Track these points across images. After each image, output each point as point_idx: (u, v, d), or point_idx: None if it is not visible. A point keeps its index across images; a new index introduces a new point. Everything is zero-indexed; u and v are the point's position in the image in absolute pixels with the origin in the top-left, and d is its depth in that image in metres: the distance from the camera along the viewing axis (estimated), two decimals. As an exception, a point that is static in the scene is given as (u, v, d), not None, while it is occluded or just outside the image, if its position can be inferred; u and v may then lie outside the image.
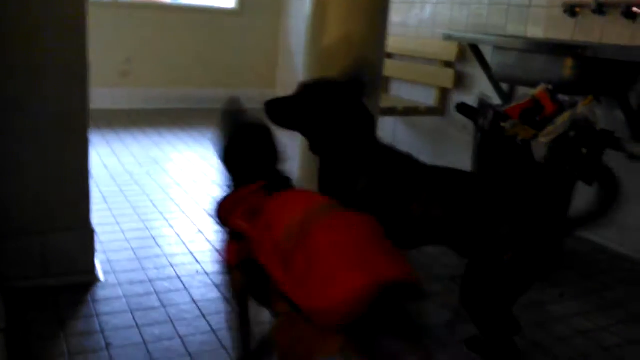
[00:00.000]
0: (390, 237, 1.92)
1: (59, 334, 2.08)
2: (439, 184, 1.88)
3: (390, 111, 4.31)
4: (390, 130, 4.96)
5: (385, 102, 4.13)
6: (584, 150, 2.52)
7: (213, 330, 2.17)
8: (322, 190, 2.06)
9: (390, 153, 2.02)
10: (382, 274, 1.27)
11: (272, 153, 1.78)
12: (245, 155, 1.76)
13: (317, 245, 1.34)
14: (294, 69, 6.30)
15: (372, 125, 2.01)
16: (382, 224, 1.92)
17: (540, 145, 2.62)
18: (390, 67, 4.48)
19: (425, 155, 4.63)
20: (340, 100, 1.95)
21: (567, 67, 2.88)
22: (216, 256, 2.78)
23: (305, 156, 2.98)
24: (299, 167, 3.18)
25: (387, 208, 1.90)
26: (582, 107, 2.63)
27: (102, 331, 2.11)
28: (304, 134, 2.05)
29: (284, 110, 2.01)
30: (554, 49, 3.00)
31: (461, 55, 4.23)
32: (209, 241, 2.98)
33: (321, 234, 1.37)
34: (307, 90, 1.99)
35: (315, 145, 2.04)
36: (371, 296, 1.22)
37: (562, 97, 2.84)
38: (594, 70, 2.86)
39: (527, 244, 1.72)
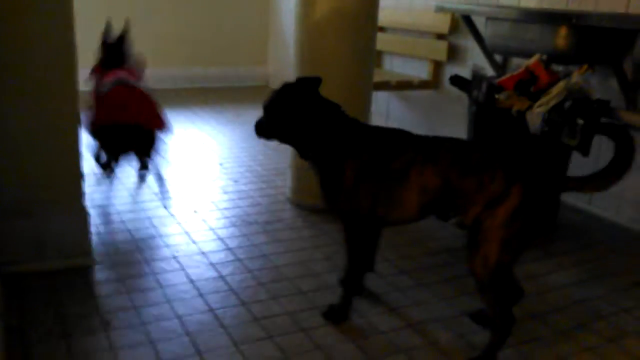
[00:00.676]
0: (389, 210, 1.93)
1: (57, 317, 2.07)
2: (430, 149, 1.90)
3: (384, 85, 4.28)
4: (384, 105, 4.93)
5: (378, 77, 4.09)
6: (580, 120, 2.50)
7: (211, 309, 2.17)
8: (324, 189, 2.08)
9: (372, 129, 2.08)
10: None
11: None
12: None
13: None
14: (286, 45, 6.24)
15: (338, 110, 2.08)
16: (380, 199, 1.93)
17: (535, 116, 2.61)
18: (382, 41, 4.43)
19: (419, 129, 4.62)
20: (295, 102, 2.05)
21: (561, 37, 2.85)
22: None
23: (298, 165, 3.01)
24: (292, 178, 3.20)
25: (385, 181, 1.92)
26: (577, 77, 2.62)
27: (100, 313, 2.11)
28: (287, 143, 2.16)
29: (264, 129, 2.15)
30: (548, 18, 2.97)
31: (454, 27, 4.19)
32: (204, 221, 2.96)
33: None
34: (267, 107, 2.11)
35: (301, 151, 2.12)
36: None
37: (556, 67, 2.82)
38: (588, 38, 2.83)
39: (525, 195, 1.73)
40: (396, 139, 1.99)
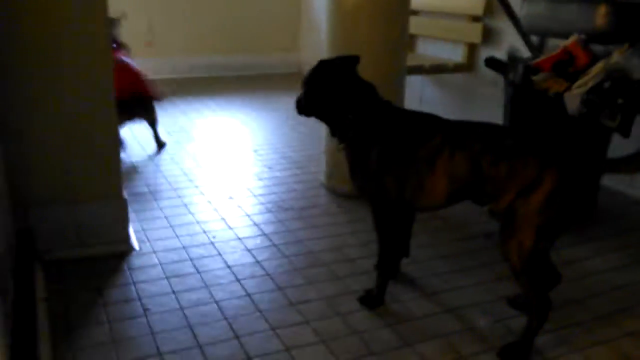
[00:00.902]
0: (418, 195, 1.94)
1: (98, 302, 2.12)
2: (459, 135, 1.87)
3: (417, 69, 4.23)
4: (418, 89, 4.88)
5: (411, 61, 4.04)
6: (620, 101, 2.44)
7: (248, 294, 2.19)
8: (352, 171, 2.09)
9: (402, 113, 2.08)
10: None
11: None
12: None
13: None
14: (318, 32, 6.22)
15: (372, 92, 2.08)
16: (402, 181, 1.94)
17: (574, 97, 2.55)
18: (415, 24, 4.38)
19: (454, 113, 4.56)
20: (332, 78, 2.07)
21: (600, 15, 2.78)
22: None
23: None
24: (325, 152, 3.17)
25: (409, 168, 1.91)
26: (617, 56, 2.55)
27: (140, 298, 2.15)
28: (322, 119, 2.17)
29: (302, 105, 2.16)
30: (587, -4, 2.89)
31: (489, 9, 4.12)
32: (240, 207, 2.99)
33: None
34: (306, 82, 2.13)
35: (333, 129, 2.13)
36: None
37: (596, 48, 2.75)
38: (629, 16, 2.74)
39: (559, 181, 1.70)
40: (425, 124, 1.96)
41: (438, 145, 1.86)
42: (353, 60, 2.11)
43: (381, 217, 2.07)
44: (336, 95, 2.05)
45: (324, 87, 2.07)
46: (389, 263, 2.16)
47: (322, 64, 2.09)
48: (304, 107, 2.15)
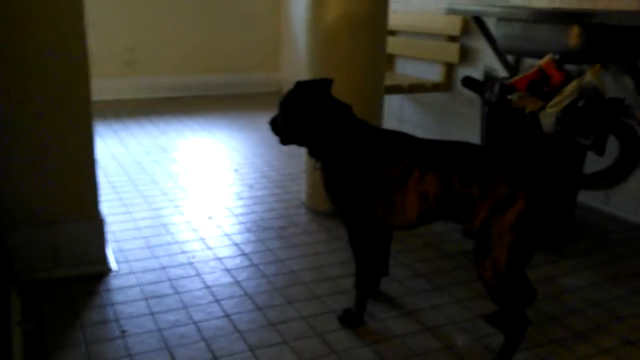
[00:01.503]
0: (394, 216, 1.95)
1: (74, 324, 2.10)
2: (430, 155, 1.90)
3: (396, 89, 4.28)
4: (397, 108, 4.93)
5: (390, 80, 4.10)
6: (594, 120, 2.49)
7: (227, 315, 2.18)
8: (325, 188, 2.13)
9: (374, 132, 2.09)
10: None
11: None
12: None
13: None
14: (298, 50, 6.26)
15: (347, 112, 2.10)
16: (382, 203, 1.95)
17: (549, 116, 2.59)
18: (393, 45, 4.44)
19: (432, 131, 4.62)
20: (307, 100, 2.08)
21: (573, 36, 2.84)
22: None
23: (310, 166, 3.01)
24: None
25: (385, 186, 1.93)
26: (590, 76, 2.60)
27: (117, 320, 2.13)
28: (298, 141, 2.16)
29: (278, 126, 2.18)
30: (560, 17, 2.95)
31: (465, 29, 4.18)
32: (219, 227, 2.98)
33: None
34: (282, 103, 2.14)
35: (310, 149, 2.15)
36: None
37: (569, 67, 2.80)
38: (601, 37, 2.80)
39: (531, 199, 1.71)
40: (397, 143, 1.99)
41: (408, 165, 1.89)
42: (326, 82, 2.14)
43: (355, 234, 2.09)
44: (313, 116, 2.07)
45: (300, 107, 2.09)
46: (367, 281, 2.16)
47: (300, 85, 2.11)
48: (281, 129, 2.16)
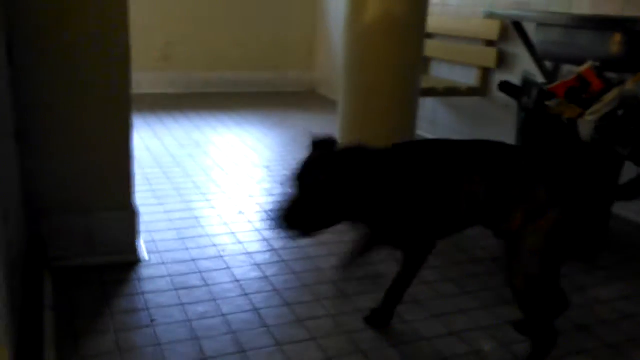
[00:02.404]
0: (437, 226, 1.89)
1: (105, 311, 2.13)
2: (476, 159, 1.82)
3: (431, 92, 4.25)
4: (431, 112, 4.90)
5: (425, 83, 4.08)
6: (633, 129, 2.44)
7: (255, 309, 2.19)
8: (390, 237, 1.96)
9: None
10: None
11: None
12: None
13: None
14: (333, 50, 6.27)
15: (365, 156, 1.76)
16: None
17: (587, 124, 2.55)
18: (430, 47, 4.42)
19: (466, 136, 4.57)
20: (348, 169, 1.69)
21: (615, 43, 2.79)
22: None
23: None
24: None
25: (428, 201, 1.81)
26: (631, 84, 2.55)
27: (147, 309, 2.16)
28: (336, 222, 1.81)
29: (294, 218, 1.73)
30: (601, 24, 2.91)
31: (503, 34, 4.14)
32: (250, 221, 3.00)
33: None
34: (311, 185, 1.71)
35: (357, 219, 1.84)
36: None
37: (609, 75, 2.76)
38: (644, 45, 2.76)
39: (567, 208, 1.68)
40: (430, 155, 1.83)
41: (454, 173, 1.79)
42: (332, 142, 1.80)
43: (420, 256, 2.03)
44: (361, 184, 1.70)
45: (346, 179, 1.67)
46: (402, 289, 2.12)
47: (320, 154, 1.73)
48: (307, 217, 1.70)
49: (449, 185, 1.79)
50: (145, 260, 2.52)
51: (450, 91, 4.40)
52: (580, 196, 1.72)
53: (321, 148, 1.77)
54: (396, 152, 1.83)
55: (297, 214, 1.69)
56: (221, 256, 2.60)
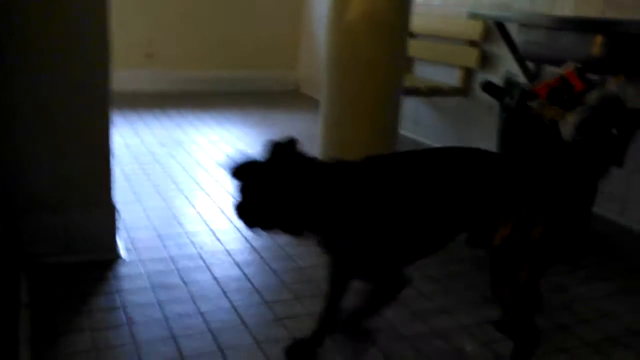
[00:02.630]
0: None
1: (82, 309, 2.09)
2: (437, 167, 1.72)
3: (414, 91, 4.25)
4: (413, 111, 4.90)
5: (408, 82, 4.07)
6: (614, 130, 2.46)
7: (234, 308, 2.17)
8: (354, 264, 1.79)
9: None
10: None
11: None
12: None
13: None
14: (317, 49, 6.26)
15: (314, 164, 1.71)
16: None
17: (569, 125, 2.56)
18: (413, 47, 4.41)
19: (448, 136, 4.59)
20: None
21: (597, 45, 2.80)
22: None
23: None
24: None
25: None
26: (613, 85, 2.57)
27: (124, 307, 2.12)
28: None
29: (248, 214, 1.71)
30: (584, 25, 2.92)
31: (486, 34, 4.16)
32: (230, 220, 2.97)
33: None
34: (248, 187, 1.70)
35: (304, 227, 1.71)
36: None
37: (591, 76, 2.77)
38: (625, 47, 2.77)
39: (553, 218, 1.66)
40: (394, 168, 1.72)
41: (419, 187, 1.68)
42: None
43: (387, 282, 1.78)
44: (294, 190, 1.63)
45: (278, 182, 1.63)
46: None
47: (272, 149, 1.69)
48: (253, 216, 1.69)
49: (421, 202, 1.68)
50: (123, 259, 2.48)
51: (433, 91, 4.40)
52: (564, 204, 1.69)
53: (280, 151, 1.69)
54: (361, 165, 1.72)
55: (245, 210, 1.68)
56: (200, 255, 2.57)
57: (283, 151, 1.69)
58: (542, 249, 1.67)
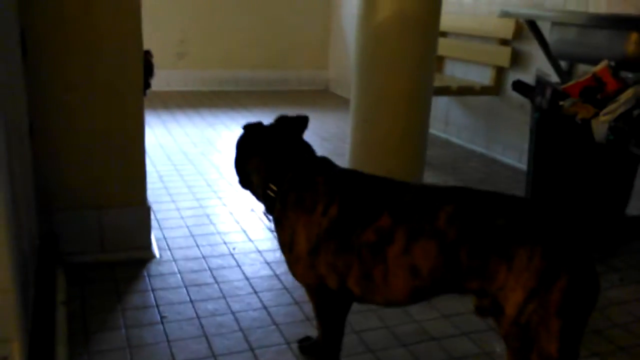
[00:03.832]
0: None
1: (116, 307, 2.14)
2: (421, 214, 1.46)
3: (444, 90, 4.23)
4: (444, 111, 4.88)
5: (438, 82, 4.05)
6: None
7: (265, 307, 2.19)
8: (282, 251, 1.76)
9: (343, 179, 1.66)
10: None
11: None
12: None
13: None
14: (347, 49, 6.26)
15: (304, 152, 1.77)
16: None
17: (601, 124, 2.53)
18: (444, 46, 4.39)
19: (479, 136, 4.55)
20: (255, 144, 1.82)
21: (631, 43, 2.75)
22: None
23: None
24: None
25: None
26: (647, 84, 2.52)
27: (157, 305, 2.17)
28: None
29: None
30: (618, 23, 2.87)
31: (518, 33, 4.11)
32: (261, 219, 3.00)
33: None
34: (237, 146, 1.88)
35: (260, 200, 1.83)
36: None
37: (625, 74, 2.72)
38: (660, 45, 2.72)
39: (577, 268, 1.34)
40: (372, 195, 1.54)
41: (386, 231, 1.45)
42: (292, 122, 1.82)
43: (322, 308, 1.72)
44: (256, 160, 1.77)
45: (246, 151, 1.80)
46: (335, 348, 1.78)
47: (249, 128, 1.85)
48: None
49: (362, 240, 1.51)
50: (156, 257, 2.53)
51: (463, 90, 4.38)
52: (589, 249, 1.37)
53: (251, 131, 1.86)
54: (341, 175, 1.67)
55: (234, 163, 1.87)
56: (232, 254, 2.61)
57: (285, 124, 1.81)
58: (569, 311, 1.34)
